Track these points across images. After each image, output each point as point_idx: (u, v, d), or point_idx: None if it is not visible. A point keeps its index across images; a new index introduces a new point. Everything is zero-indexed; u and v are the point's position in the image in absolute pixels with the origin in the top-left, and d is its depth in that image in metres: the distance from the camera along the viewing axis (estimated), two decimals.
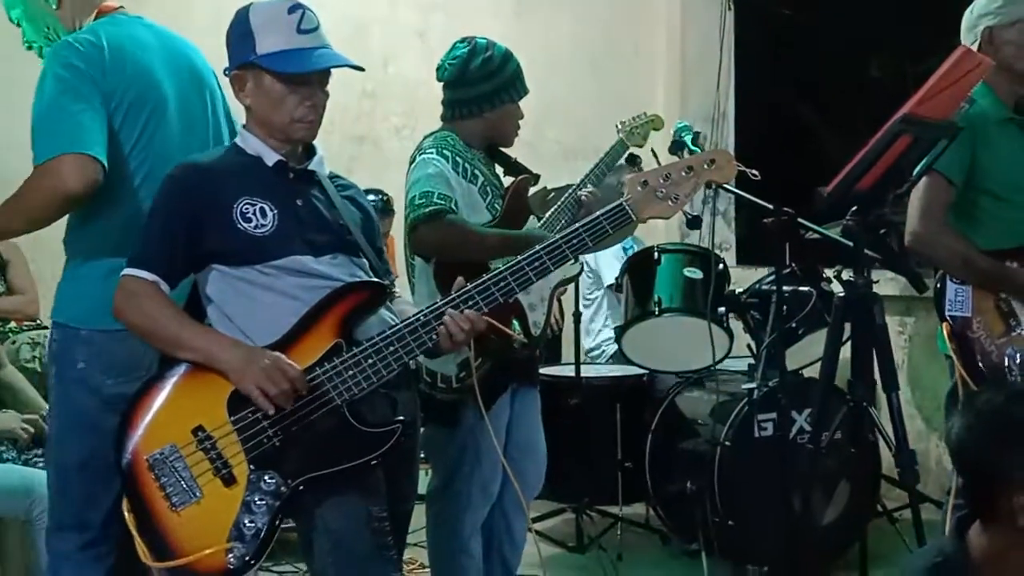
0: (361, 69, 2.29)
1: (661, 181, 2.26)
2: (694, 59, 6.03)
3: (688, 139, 3.29)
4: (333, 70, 2.28)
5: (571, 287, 3.63)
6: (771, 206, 3.03)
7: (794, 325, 3.85)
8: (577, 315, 4.42)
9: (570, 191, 3.19)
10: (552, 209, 3.15)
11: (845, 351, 2.82)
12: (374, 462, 2.17)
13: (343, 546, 2.17)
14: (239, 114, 2.48)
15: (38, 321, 3.96)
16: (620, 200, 2.26)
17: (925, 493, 4.11)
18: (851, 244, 2.72)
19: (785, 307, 3.77)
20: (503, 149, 3.15)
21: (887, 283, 4.05)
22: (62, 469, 2.45)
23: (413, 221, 2.85)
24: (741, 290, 4.06)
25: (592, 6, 6.04)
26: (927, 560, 1.97)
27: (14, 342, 3.74)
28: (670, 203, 2.27)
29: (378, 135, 5.63)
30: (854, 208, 2.69)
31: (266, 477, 2.14)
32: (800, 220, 3.00)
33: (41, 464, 3.00)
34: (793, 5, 6.41)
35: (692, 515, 3.87)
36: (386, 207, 4.81)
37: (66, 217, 2.46)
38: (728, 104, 6.05)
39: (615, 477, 4.27)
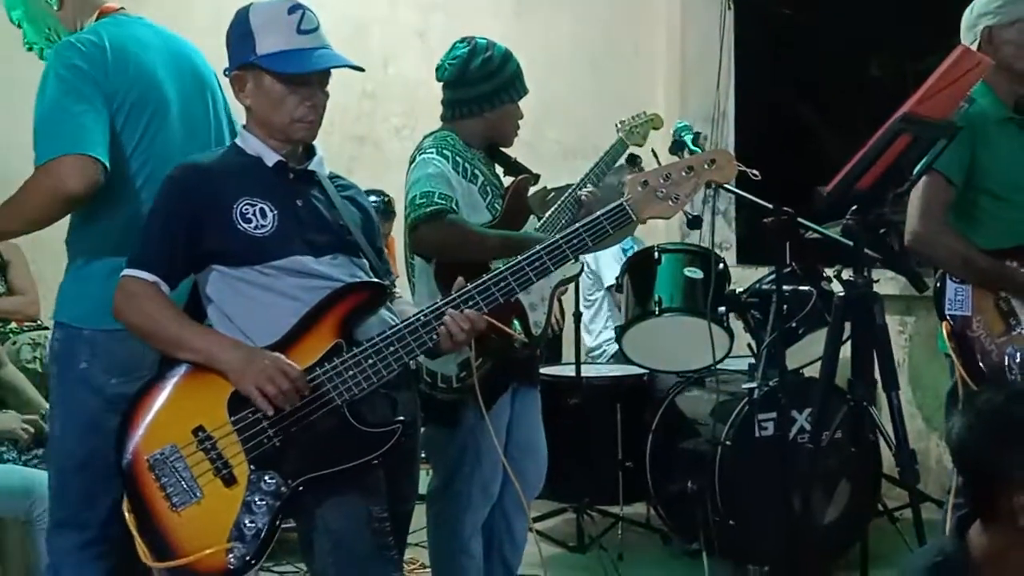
0: (361, 69, 2.29)
1: (661, 181, 2.26)
2: (694, 59, 6.03)
3: (688, 139, 3.29)
4: (333, 70, 2.28)
5: (571, 287, 3.63)
6: (771, 206, 3.03)
7: (794, 324, 3.85)
8: (577, 315, 4.42)
9: (570, 191, 3.19)
10: (552, 209, 3.16)
11: (845, 350, 2.82)
12: (374, 462, 2.17)
13: (343, 546, 2.18)
14: (239, 115, 2.49)
15: (39, 322, 3.96)
16: (620, 200, 2.27)
17: (926, 492, 4.11)
18: (851, 243, 2.72)
19: (785, 307, 3.77)
20: (503, 149, 3.15)
21: (887, 282, 4.05)
22: (63, 468, 2.46)
23: (414, 221, 2.85)
24: (741, 290, 4.06)
25: (592, 6, 6.04)
26: (927, 559, 1.97)
27: (14, 343, 3.75)
28: (670, 203, 2.27)
29: (378, 135, 5.63)
30: (854, 207, 2.69)
31: (266, 477, 2.14)
32: (800, 220, 3.00)
33: (43, 465, 3.00)
34: (793, 5, 6.42)
35: (693, 515, 3.86)
36: (388, 209, 4.81)
37: (68, 217, 2.46)
38: (728, 104, 6.05)
39: (616, 477, 4.27)
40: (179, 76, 2.55)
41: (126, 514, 2.15)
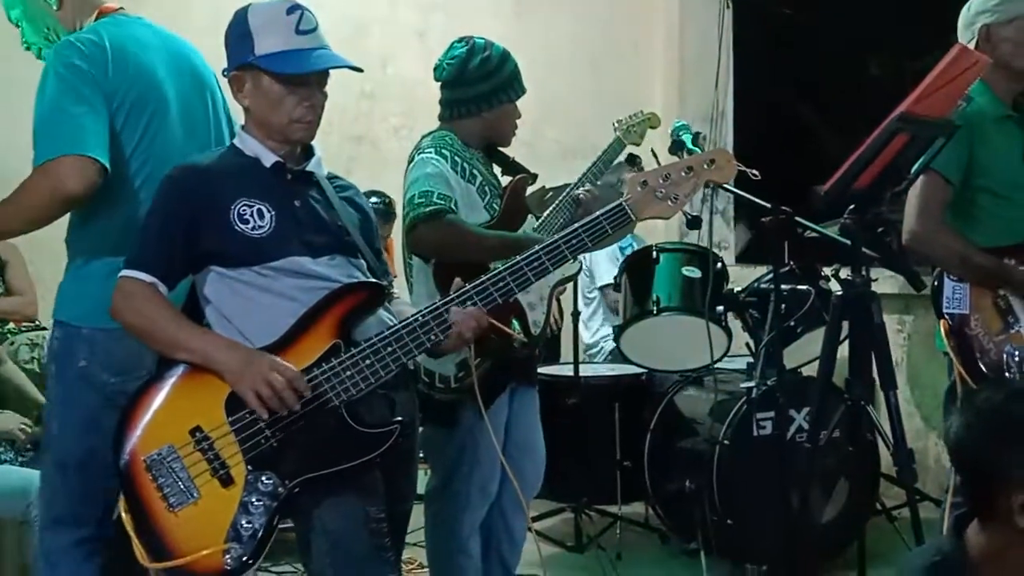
0: (360, 70, 2.29)
1: (661, 181, 2.26)
2: (693, 58, 6.03)
3: (688, 139, 3.29)
4: (332, 70, 2.28)
5: (569, 286, 3.63)
6: (769, 205, 3.03)
7: (792, 324, 3.85)
8: (576, 314, 4.42)
9: (568, 190, 3.19)
10: (550, 208, 3.16)
11: (844, 349, 2.82)
12: (372, 463, 2.17)
13: (341, 547, 2.18)
14: (238, 115, 2.48)
15: (37, 322, 3.96)
16: (620, 200, 2.27)
17: (924, 491, 4.11)
18: (849, 242, 2.72)
19: (783, 306, 3.77)
20: (501, 149, 3.15)
21: (886, 281, 4.05)
22: (61, 465, 2.45)
23: (412, 220, 2.85)
24: (740, 289, 4.06)
25: (590, 6, 6.04)
26: (925, 559, 1.96)
27: (12, 343, 3.75)
28: (670, 203, 2.27)
29: (377, 135, 5.63)
30: (851, 207, 2.69)
31: (263, 478, 2.14)
32: (798, 219, 3.00)
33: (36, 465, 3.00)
34: (792, 4, 6.41)
35: (691, 514, 3.87)
36: (388, 210, 4.80)
37: (66, 217, 2.47)
38: (727, 103, 6.05)
39: (614, 476, 4.27)
40: (178, 76, 2.55)
41: (123, 515, 2.15)
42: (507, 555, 3.19)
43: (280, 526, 2.16)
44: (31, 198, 2.36)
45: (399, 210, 3.05)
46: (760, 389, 3.78)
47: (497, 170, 3.15)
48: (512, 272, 2.22)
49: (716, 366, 3.88)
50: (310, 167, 2.34)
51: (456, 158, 2.97)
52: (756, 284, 4.05)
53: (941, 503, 2.95)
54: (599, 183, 3.27)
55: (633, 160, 3.95)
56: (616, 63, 6.07)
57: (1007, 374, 2.70)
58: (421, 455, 3.12)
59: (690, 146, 3.24)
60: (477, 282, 2.23)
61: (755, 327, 4.00)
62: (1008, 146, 2.85)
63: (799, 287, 3.90)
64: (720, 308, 3.92)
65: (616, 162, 3.55)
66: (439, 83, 3.08)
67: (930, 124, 2.61)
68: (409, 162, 3.01)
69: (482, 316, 2.21)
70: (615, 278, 4.41)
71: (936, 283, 2.81)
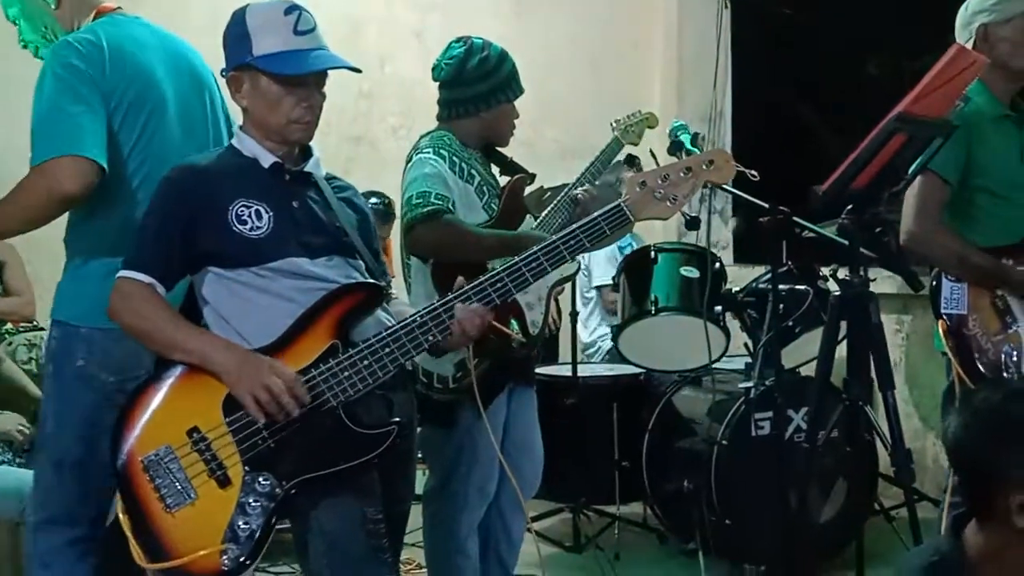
0: (358, 71, 2.28)
1: (659, 182, 2.26)
2: (691, 58, 6.04)
3: (686, 139, 3.29)
4: (330, 71, 2.28)
5: (567, 286, 3.63)
6: (767, 205, 3.03)
7: (791, 324, 3.85)
8: (574, 314, 4.42)
9: (566, 190, 3.19)
10: (548, 208, 3.16)
11: (842, 349, 2.82)
12: (370, 463, 2.17)
13: (338, 548, 2.18)
14: (236, 115, 2.48)
15: (35, 322, 3.95)
16: (618, 201, 2.26)
17: (922, 491, 4.11)
18: (847, 243, 2.72)
19: (782, 306, 3.77)
20: (499, 149, 3.15)
21: (884, 281, 4.05)
22: (57, 464, 2.45)
23: (410, 221, 2.85)
24: (738, 289, 4.06)
25: (589, 5, 6.04)
26: (923, 559, 1.96)
27: (10, 343, 3.74)
28: (668, 204, 2.27)
29: (375, 136, 5.63)
30: (849, 207, 2.69)
31: (261, 479, 2.13)
32: (796, 219, 3.00)
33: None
34: (790, 4, 6.41)
35: (689, 514, 3.87)
36: (387, 211, 4.79)
37: (65, 216, 2.47)
38: (725, 103, 6.05)
39: (612, 476, 4.27)
40: (177, 75, 2.55)
41: (120, 515, 2.15)
42: (505, 555, 3.19)
43: (277, 527, 2.16)
44: (28, 198, 2.36)
45: (398, 211, 3.05)
46: (758, 389, 3.78)
47: (495, 170, 3.15)
48: (510, 273, 2.22)
49: (714, 366, 3.88)
50: (308, 168, 2.33)
51: (454, 158, 2.97)
52: (754, 284, 4.05)
53: (939, 503, 2.95)
54: (597, 183, 3.27)
55: (632, 160, 3.96)
56: (615, 63, 6.07)
57: (1005, 374, 2.70)
58: (419, 455, 3.12)
59: (689, 146, 3.24)
60: (475, 283, 2.23)
61: (753, 327, 3.99)
62: (1006, 146, 2.85)
63: (797, 287, 3.90)
64: (718, 308, 3.92)
65: (614, 162, 3.55)
66: (437, 83, 3.08)
67: (928, 124, 2.61)
68: (407, 162, 3.01)
69: (487, 313, 2.21)
70: (613, 278, 4.41)
71: (934, 283, 2.81)
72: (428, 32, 5.60)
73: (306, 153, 2.35)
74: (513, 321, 2.92)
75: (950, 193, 2.80)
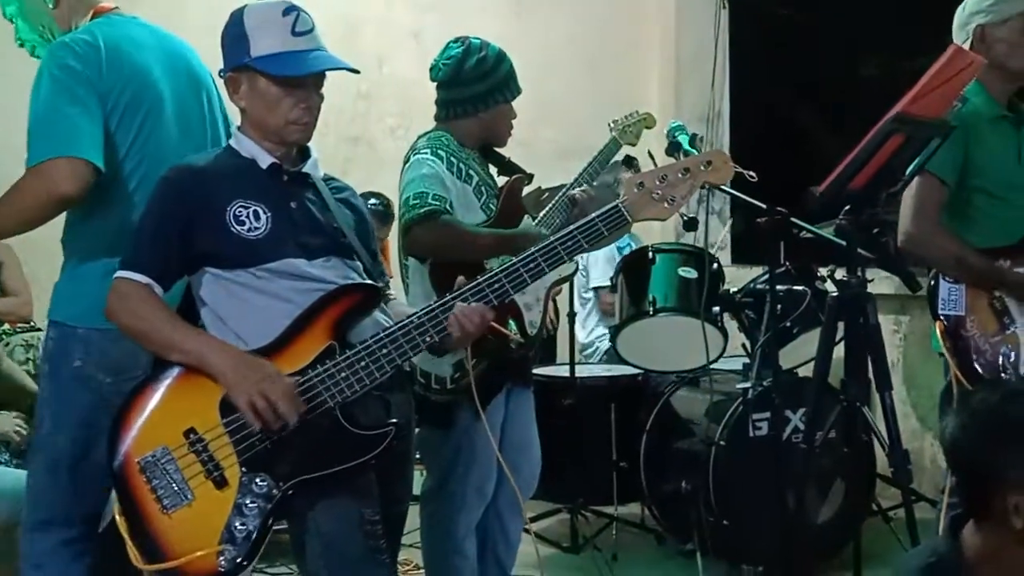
0: (356, 71, 2.28)
1: (657, 183, 2.26)
2: (689, 58, 6.04)
3: (684, 140, 3.29)
4: (328, 71, 2.28)
5: (565, 287, 3.63)
6: (764, 206, 3.03)
7: (788, 324, 3.85)
8: (572, 315, 4.42)
9: (564, 191, 3.19)
10: (546, 209, 3.16)
11: (840, 350, 2.82)
12: (367, 464, 2.17)
13: (335, 549, 2.17)
14: (234, 115, 2.48)
15: (32, 323, 3.95)
16: (616, 202, 2.26)
17: (920, 492, 4.11)
18: (844, 243, 2.72)
19: (779, 306, 3.77)
20: (497, 149, 3.15)
21: (882, 281, 4.05)
22: (53, 465, 2.45)
23: (408, 222, 2.85)
24: (735, 289, 4.06)
25: (587, 6, 6.04)
26: (921, 560, 1.96)
27: (7, 344, 3.73)
28: (666, 205, 2.26)
29: (373, 136, 5.62)
30: (847, 207, 2.69)
31: (258, 480, 2.13)
32: (793, 219, 3.00)
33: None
34: (788, 4, 6.42)
35: (687, 515, 3.87)
36: (387, 212, 4.79)
37: (62, 217, 2.46)
38: (723, 103, 6.05)
39: (610, 477, 4.27)
40: (174, 75, 2.55)
41: (117, 517, 2.15)
42: (503, 556, 3.19)
43: (275, 527, 2.16)
44: (24, 199, 2.36)
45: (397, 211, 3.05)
46: (756, 390, 3.78)
47: (493, 170, 3.15)
48: (508, 274, 2.22)
49: (712, 367, 3.88)
50: (306, 168, 2.33)
51: (452, 158, 2.96)
52: (752, 285, 4.05)
53: (937, 504, 2.95)
54: (595, 183, 3.27)
55: (629, 161, 3.95)
56: (613, 63, 6.07)
57: (1003, 375, 2.70)
58: (417, 456, 3.12)
59: (687, 147, 3.24)
60: (473, 283, 2.22)
61: (751, 328, 3.99)
62: (1003, 147, 2.85)
63: (795, 288, 3.90)
64: (716, 309, 3.93)
65: (612, 162, 3.55)
66: (435, 83, 3.08)
67: (926, 125, 2.61)
68: (405, 163, 3.01)
69: (487, 311, 2.21)
70: (611, 278, 4.41)
71: (932, 283, 2.81)
72: (426, 32, 5.59)
73: (304, 154, 2.35)
74: (511, 321, 2.92)
75: (948, 194, 2.80)
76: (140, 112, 2.45)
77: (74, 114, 2.33)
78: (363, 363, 2.15)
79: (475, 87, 3.01)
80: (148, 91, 2.47)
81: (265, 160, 2.28)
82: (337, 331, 2.19)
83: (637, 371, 4.31)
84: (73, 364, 2.42)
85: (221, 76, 2.32)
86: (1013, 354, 2.71)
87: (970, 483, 1.93)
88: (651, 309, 3.96)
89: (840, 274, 2.79)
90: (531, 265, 2.22)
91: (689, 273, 3.99)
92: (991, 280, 2.77)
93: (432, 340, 2.19)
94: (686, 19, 6.07)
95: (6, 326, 3.89)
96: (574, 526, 4.28)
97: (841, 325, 2.78)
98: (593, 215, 2.26)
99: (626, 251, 4.56)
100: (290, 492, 2.14)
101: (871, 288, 2.77)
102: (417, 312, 2.21)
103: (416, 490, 3.09)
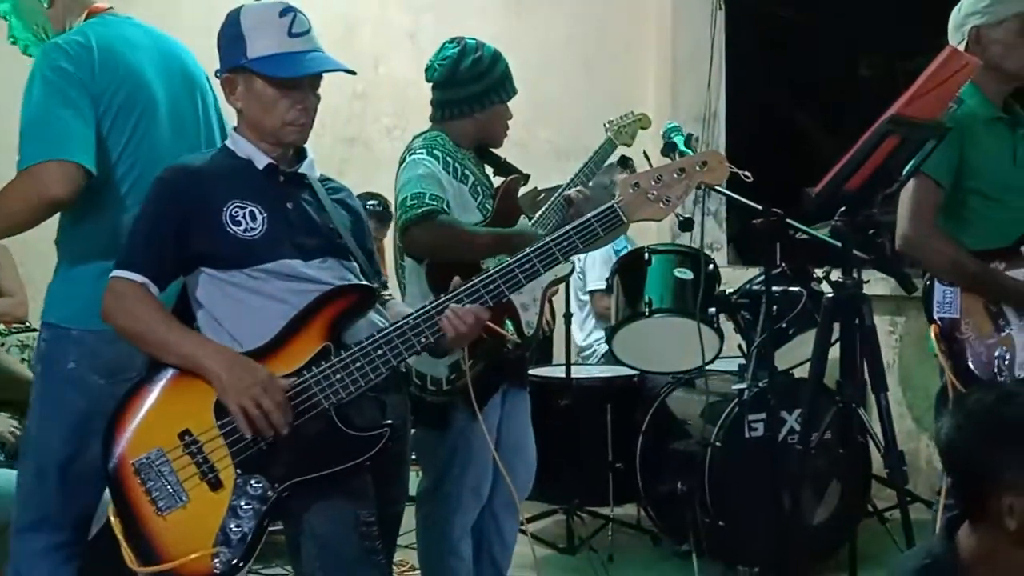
0: (353, 73, 2.28)
1: (653, 183, 2.25)
2: (685, 59, 6.03)
3: (680, 140, 3.29)
4: (324, 72, 2.28)
5: (561, 287, 3.63)
6: (760, 207, 3.03)
7: (784, 325, 3.85)
8: (568, 315, 4.42)
9: (559, 191, 3.19)
10: (542, 209, 3.16)
11: (836, 351, 2.82)
12: (362, 466, 2.16)
13: (330, 550, 2.17)
14: (230, 116, 2.48)
15: (27, 323, 3.94)
16: (611, 202, 2.26)
17: (915, 493, 4.12)
18: (840, 244, 2.73)
19: (775, 307, 3.77)
20: (492, 149, 3.15)
21: (877, 282, 4.05)
22: (42, 468, 2.43)
23: (405, 222, 2.84)
24: (731, 290, 4.06)
25: (583, 6, 6.04)
26: (917, 561, 1.97)
27: (3, 344, 3.73)
28: (661, 205, 2.26)
29: (369, 136, 5.62)
30: (842, 209, 2.69)
31: (253, 481, 2.13)
32: (789, 221, 3.01)
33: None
34: (784, 5, 6.42)
35: (683, 516, 3.87)
36: (385, 212, 4.78)
37: (57, 218, 2.45)
38: (719, 104, 6.05)
39: (606, 478, 4.27)
40: (168, 76, 2.54)
41: (112, 518, 2.14)
42: (498, 557, 3.19)
43: (270, 528, 2.15)
44: (15, 202, 2.35)
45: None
46: (752, 391, 3.78)
47: (489, 171, 3.15)
48: (503, 274, 2.22)
49: (708, 368, 3.88)
50: (303, 169, 2.33)
51: (448, 159, 2.96)
52: (748, 286, 4.05)
53: (932, 505, 2.96)
54: (591, 184, 3.27)
55: (625, 161, 3.96)
56: (608, 64, 6.07)
57: (998, 377, 2.70)
58: (413, 457, 3.12)
59: (682, 148, 3.24)
60: (468, 284, 2.22)
61: (747, 329, 3.99)
62: (998, 148, 2.85)
63: (791, 289, 3.90)
64: (712, 310, 3.92)
65: (608, 163, 3.55)
66: (431, 84, 3.08)
67: (921, 126, 2.61)
68: (400, 163, 3.01)
69: (482, 312, 2.20)
70: (607, 279, 4.41)
71: (928, 283, 2.81)
72: (422, 33, 5.59)
73: (300, 154, 2.35)
74: (508, 322, 2.92)
75: (943, 196, 2.80)
76: (134, 113, 2.44)
77: (66, 116, 2.33)
78: (358, 364, 2.15)
79: (471, 88, 3.01)
80: (142, 92, 2.47)
81: (261, 161, 2.28)
82: (332, 332, 2.19)
83: (633, 372, 4.31)
84: (67, 366, 2.41)
85: (217, 77, 2.31)
86: (1008, 356, 2.71)
87: (965, 484, 1.93)
88: (647, 310, 3.96)
89: (836, 275, 2.79)
90: (526, 266, 2.22)
91: (685, 274, 3.99)
92: (985, 285, 2.77)
93: (427, 341, 2.19)
94: (682, 20, 6.06)
95: (1, 327, 3.88)
96: (570, 527, 4.27)
97: (837, 326, 2.78)
98: (589, 215, 2.26)
99: (623, 254, 4.56)
100: (285, 493, 2.13)
101: (867, 289, 2.77)
102: (413, 313, 2.20)
103: (412, 491, 3.09)
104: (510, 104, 3.09)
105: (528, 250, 2.23)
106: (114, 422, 2.17)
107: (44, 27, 2.55)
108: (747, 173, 2.92)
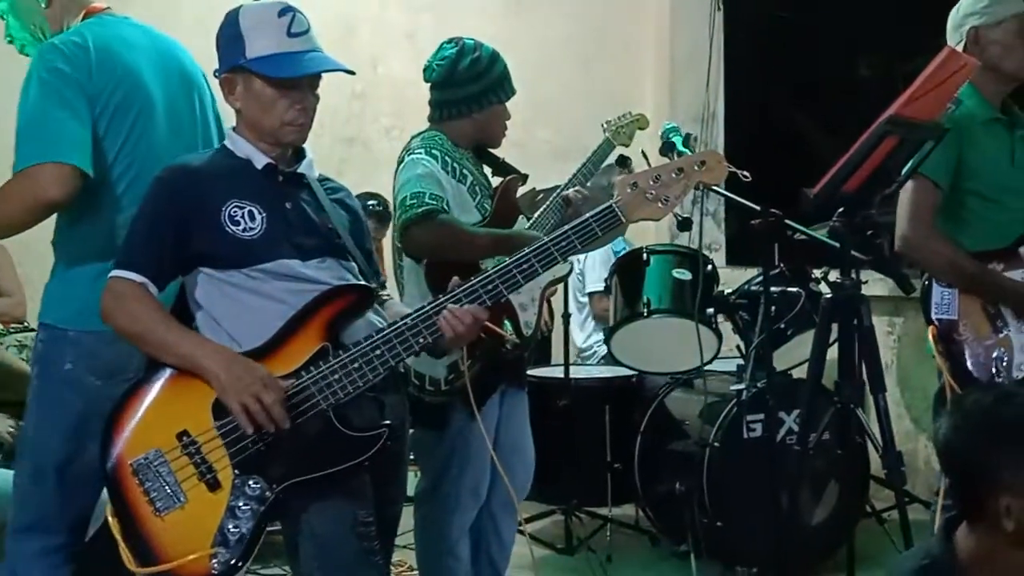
0: (352, 73, 2.28)
1: (651, 183, 2.25)
2: (683, 59, 6.03)
3: (678, 140, 3.29)
4: (323, 72, 2.28)
5: (560, 287, 3.63)
6: (758, 207, 3.03)
7: (783, 326, 3.85)
8: (566, 316, 4.41)
9: (557, 192, 3.19)
10: (540, 210, 3.15)
11: (834, 352, 2.82)
12: (360, 466, 2.16)
13: (328, 551, 2.17)
14: (228, 116, 2.47)
15: (25, 323, 3.94)
16: (610, 202, 2.26)
17: (913, 493, 4.12)
18: (838, 245, 2.73)
19: (774, 308, 3.77)
20: (491, 149, 3.15)
21: (876, 283, 4.05)
22: (38, 469, 2.42)
23: (405, 221, 2.84)
24: (730, 291, 4.06)
25: (581, 6, 6.03)
26: (914, 562, 1.97)
27: (1, 343, 3.73)
28: (660, 205, 2.26)
29: (368, 136, 5.62)
30: (841, 209, 2.69)
31: (251, 482, 2.13)
32: (787, 221, 3.00)
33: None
34: (783, 5, 6.42)
35: (681, 516, 3.87)
36: (384, 212, 4.78)
37: (54, 218, 2.45)
38: (718, 104, 6.05)
39: (604, 478, 4.27)
40: (166, 76, 2.54)
41: (110, 519, 2.14)
42: (496, 557, 3.19)
43: (268, 528, 2.15)
44: (11, 204, 2.35)
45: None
46: (750, 391, 3.78)
47: (487, 171, 3.15)
48: (501, 274, 2.22)
49: (706, 368, 3.88)
50: (301, 169, 2.33)
51: (446, 158, 2.96)
52: (746, 286, 4.05)
53: (930, 505, 2.96)
54: (589, 184, 3.27)
55: (624, 161, 3.95)
56: (607, 64, 6.07)
57: (996, 379, 2.70)
58: (411, 457, 3.12)
59: (681, 147, 3.24)
60: (466, 284, 2.22)
61: (745, 329, 3.99)
62: (996, 149, 2.85)
63: (789, 289, 3.90)
64: (710, 310, 3.93)
65: (606, 163, 3.55)
66: (429, 84, 3.07)
67: (919, 127, 2.61)
68: (399, 163, 3.00)
69: (480, 312, 2.20)
70: (605, 280, 4.41)
71: (926, 283, 2.81)
72: (420, 33, 5.59)
73: (299, 154, 2.35)
74: (507, 322, 2.92)
75: (942, 197, 2.80)
76: (131, 114, 2.44)
77: (62, 118, 2.32)
78: (356, 364, 2.15)
79: (469, 88, 3.01)
80: (139, 92, 2.46)
81: (260, 160, 2.28)
82: (330, 332, 2.19)
83: (631, 372, 4.31)
84: (64, 367, 2.41)
85: (216, 76, 2.31)
86: (1006, 357, 2.71)
87: (963, 485, 1.94)
88: (645, 310, 3.96)
89: (834, 276, 2.79)
90: (525, 266, 2.22)
91: (683, 274, 3.99)
92: (983, 286, 2.77)
93: (425, 341, 2.19)
94: (681, 20, 6.06)
95: (0, 327, 3.88)
96: (568, 527, 4.27)
97: (835, 327, 2.78)
98: (587, 215, 2.26)
99: (621, 255, 4.56)
100: (283, 494, 2.13)
101: (865, 290, 2.77)
102: (411, 313, 2.20)
103: (410, 491, 3.09)
104: (508, 104, 3.09)
105: (526, 250, 2.23)
106: (112, 422, 2.16)
107: (42, 27, 2.55)
108: (746, 173, 2.92)
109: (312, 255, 2.25)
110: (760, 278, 3.88)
